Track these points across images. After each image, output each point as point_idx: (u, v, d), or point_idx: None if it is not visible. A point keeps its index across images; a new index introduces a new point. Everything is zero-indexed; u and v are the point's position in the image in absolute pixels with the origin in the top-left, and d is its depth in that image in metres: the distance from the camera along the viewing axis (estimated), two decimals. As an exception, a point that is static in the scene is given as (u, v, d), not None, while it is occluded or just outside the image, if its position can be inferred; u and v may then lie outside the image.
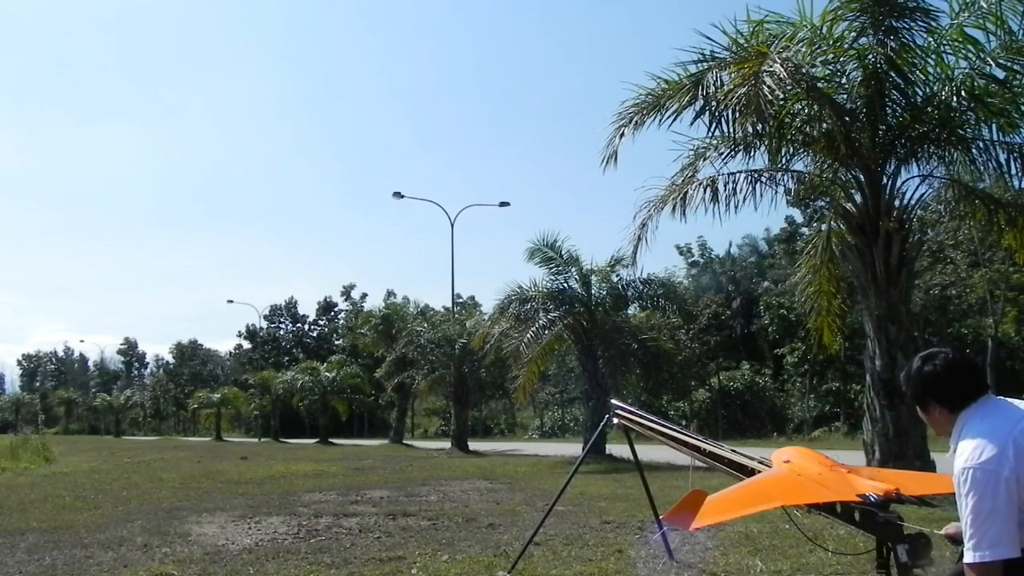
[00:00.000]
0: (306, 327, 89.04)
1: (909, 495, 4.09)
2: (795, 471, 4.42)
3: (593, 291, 26.48)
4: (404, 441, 43.74)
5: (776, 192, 14.65)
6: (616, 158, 14.12)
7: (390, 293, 74.32)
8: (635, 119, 13.85)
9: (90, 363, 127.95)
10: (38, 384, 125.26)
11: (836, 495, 4.13)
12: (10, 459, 28.80)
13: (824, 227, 15.85)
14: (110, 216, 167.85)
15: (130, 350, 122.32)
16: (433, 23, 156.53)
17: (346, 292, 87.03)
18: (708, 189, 14.23)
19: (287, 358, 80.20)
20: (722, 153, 14.45)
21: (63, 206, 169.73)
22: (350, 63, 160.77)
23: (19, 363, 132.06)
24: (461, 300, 66.62)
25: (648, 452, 13.03)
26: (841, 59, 13.16)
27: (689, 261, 53.99)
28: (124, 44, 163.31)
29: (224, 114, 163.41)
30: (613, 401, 7.53)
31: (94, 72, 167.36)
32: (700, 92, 12.97)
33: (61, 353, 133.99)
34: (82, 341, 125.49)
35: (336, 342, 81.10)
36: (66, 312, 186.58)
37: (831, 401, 40.61)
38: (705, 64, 13.02)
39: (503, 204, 47.68)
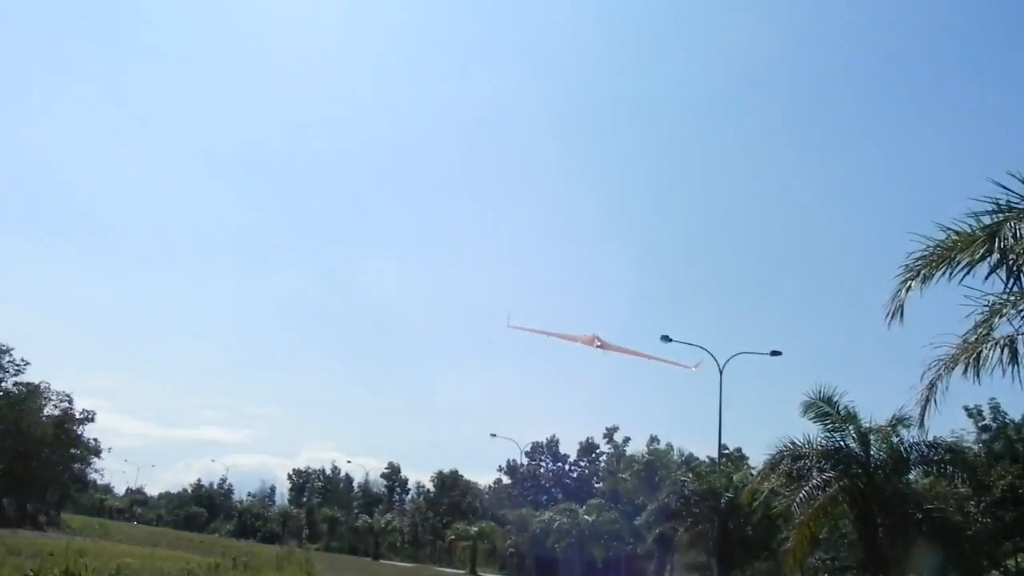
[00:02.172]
0: (566, 467, 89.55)
1: None
2: None
3: (872, 452, 25.00)
4: (663, 596, 42.47)
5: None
6: (902, 312, 13.68)
7: (653, 439, 73.60)
8: (923, 272, 13.42)
9: (355, 484, 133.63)
10: (305, 499, 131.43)
11: None
12: (274, 570, 30.51)
13: None
14: (383, 344, 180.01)
15: (393, 474, 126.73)
16: (705, 165, 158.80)
17: (608, 434, 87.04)
18: (1005, 349, 13.35)
19: (546, 497, 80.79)
20: (1021, 310, 13.55)
21: (340, 330, 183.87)
22: (623, 202, 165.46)
23: (289, 477, 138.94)
24: (727, 451, 64.61)
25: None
26: None
27: (979, 425, 49.59)
28: (408, 181, 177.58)
29: (497, 252, 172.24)
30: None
31: (381, 208, 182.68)
32: (996, 244, 12.38)
33: (328, 471, 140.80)
34: (349, 462, 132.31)
35: (596, 485, 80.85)
36: (336, 432, 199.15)
37: None
38: (1001, 215, 12.46)
39: (775, 353, 46.44)
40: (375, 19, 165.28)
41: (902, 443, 25.05)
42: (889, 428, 24.78)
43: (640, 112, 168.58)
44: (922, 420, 14.62)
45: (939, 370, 13.99)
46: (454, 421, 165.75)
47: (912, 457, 25.65)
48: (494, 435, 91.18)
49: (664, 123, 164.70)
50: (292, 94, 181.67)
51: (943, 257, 13.22)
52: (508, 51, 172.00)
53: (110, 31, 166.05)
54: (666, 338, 46.01)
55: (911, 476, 28.67)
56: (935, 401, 14.08)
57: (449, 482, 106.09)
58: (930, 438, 25.02)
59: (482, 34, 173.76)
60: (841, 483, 24.08)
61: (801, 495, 23.45)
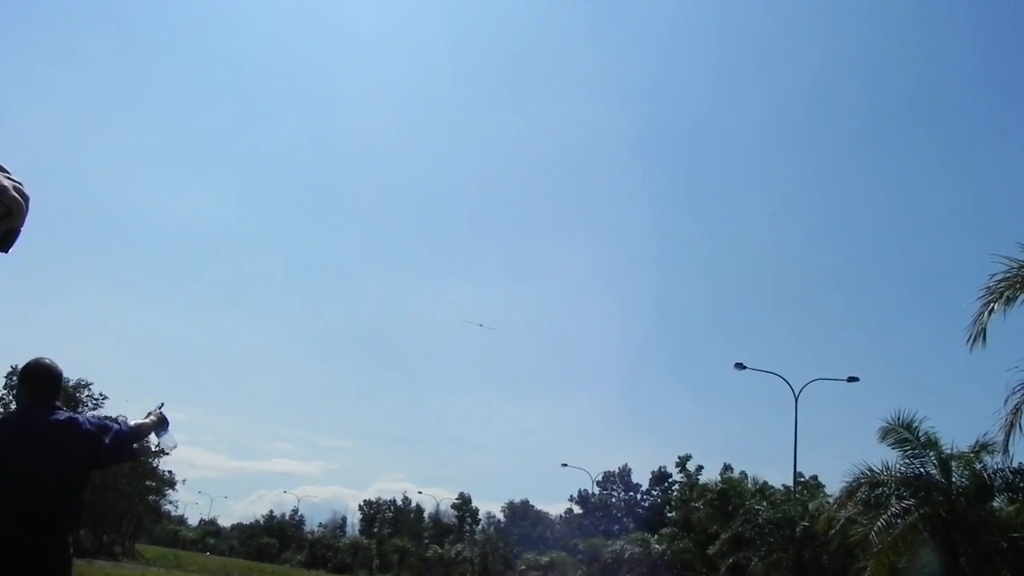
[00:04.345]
0: (638, 496, 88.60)
1: None
2: None
3: (954, 479, 24.20)
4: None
5: None
6: (985, 336, 13.29)
7: (727, 467, 72.02)
8: (1006, 294, 13.05)
9: (425, 514, 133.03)
10: (376, 530, 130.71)
11: None
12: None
13: None
14: (452, 375, 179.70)
15: (464, 505, 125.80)
16: (781, 191, 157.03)
17: (681, 463, 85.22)
18: (1094, 372, 12.88)
19: (617, 527, 79.96)
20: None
21: (408, 362, 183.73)
22: (695, 229, 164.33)
23: (360, 508, 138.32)
24: (803, 479, 63.28)
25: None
26: None
27: (1067, 450, 48.01)
28: (475, 212, 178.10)
29: (563, 280, 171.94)
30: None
31: (447, 238, 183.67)
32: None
33: (399, 502, 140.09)
34: (420, 492, 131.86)
35: (669, 514, 79.72)
36: (407, 463, 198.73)
37: None
38: (1091, 236, 12.05)
39: (851, 379, 45.50)
40: (442, 52, 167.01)
41: (985, 469, 24.20)
42: (972, 454, 23.96)
43: (710, 138, 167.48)
44: (1006, 446, 14.22)
45: (1024, 395, 13.55)
46: (525, 451, 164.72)
47: (996, 484, 24.75)
48: (565, 465, 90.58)
49: (734, 148, 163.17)
50: (360, 128, 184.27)
51: (1029, 278, 12.86)
52: (581, 82, 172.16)
53: (183, 69, 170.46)
54: (740, 365, 45.47)
55: (995, 503, 27.72)
56: (1020, 426, 13.64)
57: (520, 512, 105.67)
58: (1015, 464, 24.20)
59: (553, 65, 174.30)
60: (921, 511, 23.30)
61: (879, 523, 22.74)
